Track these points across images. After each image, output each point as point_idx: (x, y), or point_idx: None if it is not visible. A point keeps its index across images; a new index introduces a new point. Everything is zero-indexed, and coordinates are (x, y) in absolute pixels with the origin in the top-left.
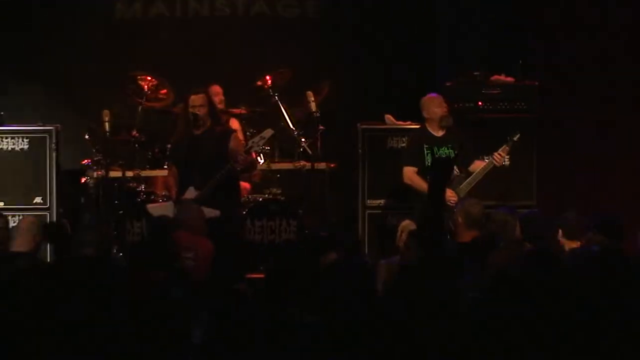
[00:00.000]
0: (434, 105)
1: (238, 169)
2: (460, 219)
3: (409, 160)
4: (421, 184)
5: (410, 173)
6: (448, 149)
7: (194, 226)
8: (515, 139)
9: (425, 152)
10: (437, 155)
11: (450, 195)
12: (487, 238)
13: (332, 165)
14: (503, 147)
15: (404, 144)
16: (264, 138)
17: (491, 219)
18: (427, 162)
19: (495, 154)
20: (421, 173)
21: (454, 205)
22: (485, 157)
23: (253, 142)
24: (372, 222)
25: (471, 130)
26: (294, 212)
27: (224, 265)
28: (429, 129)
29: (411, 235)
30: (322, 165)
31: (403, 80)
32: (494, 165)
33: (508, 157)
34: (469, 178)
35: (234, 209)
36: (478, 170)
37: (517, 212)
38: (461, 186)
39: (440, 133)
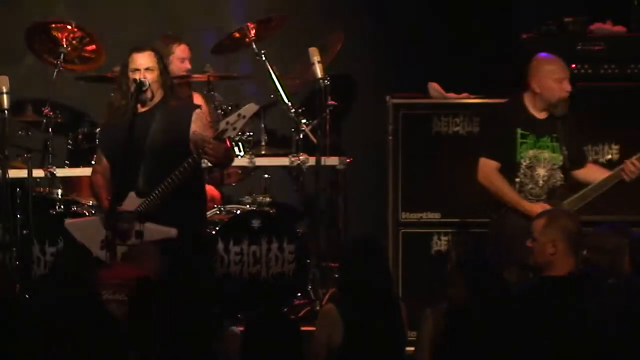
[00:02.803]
0: (551, 76)
1: (205, 164)
2: (560, 243)
3: (489, 149)
4: (501, 188)
5: (488, 169)
6: (552, 141)
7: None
8: None
9: (519, 140)
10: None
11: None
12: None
13: (347, 160)
14: None
15: (458, 127)
16: (244, 117)
17: (595, 245)
18: (519, 156)
19: (628, 162)
20: (506, 171)
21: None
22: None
23: (228, 123)
24: (409, 246)
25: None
26: (290, 231)
27: (185, 313)
28: (528, 105)
29: (457, 266)
30: (332, 160)
31: (456, 32)
32: (622, 180)
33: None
34: (581, 192)
35: (198, 226)
36: (597, 182)
37: (630, 232)
38: (566, 201)
39: (543, 114)
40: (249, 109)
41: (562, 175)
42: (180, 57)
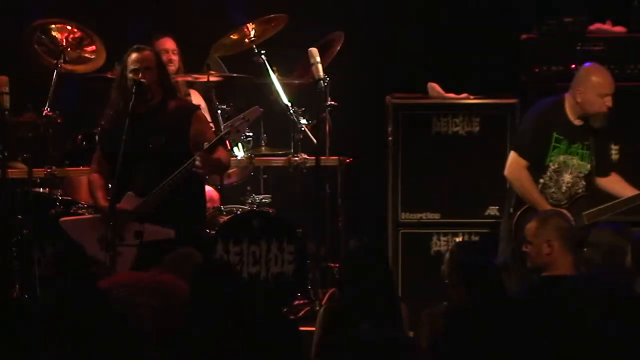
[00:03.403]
0: (596, 90)
1: (200, 170)
2: (555, 242)
3: (523, 147)
4: (528, 188)
5: (517, 166)
6: (582, 149)
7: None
8: None
9: (553, 144)
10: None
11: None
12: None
13: (347, 161)
14: None
15: (457, 128)
16: (248, 120)
17: (592, 244)
18: (549, 159)
19: None
20: (533, 171)
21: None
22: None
23: (232, 125)
24: (408, 246)
25: None
26: (290, 231)
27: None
28: (568, 110)
29: (456, 266)
30: (332, 161)
31: (455, 32)
32: None
33: None
34: (602, 207)
35: (197, 226)
36: (620, 200)
37: (630, 232)
38: (585, 213)
39: (578, 121)
40: (253, 112)
41: (584, 184)
42: (160, 50)
